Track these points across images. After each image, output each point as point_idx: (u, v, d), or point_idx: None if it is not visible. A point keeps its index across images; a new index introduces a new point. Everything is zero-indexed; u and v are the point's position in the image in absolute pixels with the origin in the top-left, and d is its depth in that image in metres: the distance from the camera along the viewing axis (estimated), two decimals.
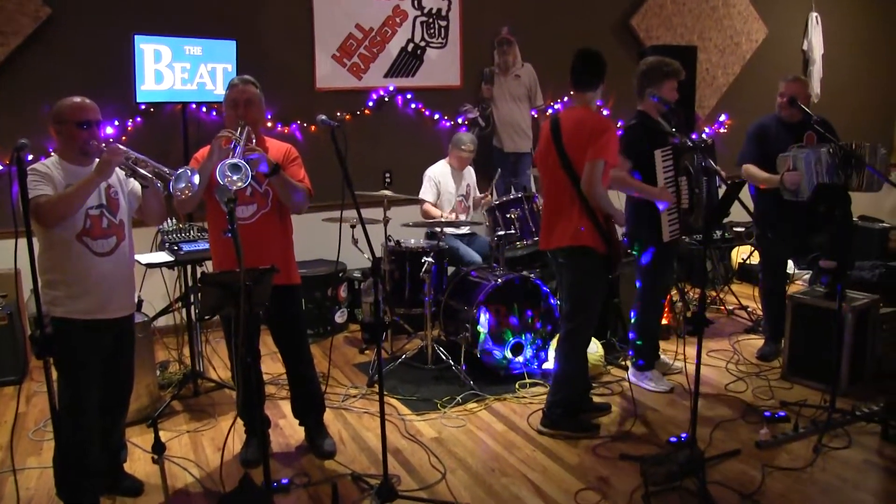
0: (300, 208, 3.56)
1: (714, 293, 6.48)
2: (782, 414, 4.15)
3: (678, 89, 4.39)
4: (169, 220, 4.69)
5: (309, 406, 3.86)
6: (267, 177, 3.39)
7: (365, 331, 5.55)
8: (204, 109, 5.75)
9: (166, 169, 3.16)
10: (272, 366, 4.93)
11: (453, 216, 5.72)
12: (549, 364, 4.78)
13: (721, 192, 3.54)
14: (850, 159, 4.28)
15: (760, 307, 5.40)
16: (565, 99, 6.82)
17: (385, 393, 4.55)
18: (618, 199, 4.15)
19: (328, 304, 5.74)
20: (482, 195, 5.84)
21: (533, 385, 4.69)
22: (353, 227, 5.21)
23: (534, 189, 6.34)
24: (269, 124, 5.99)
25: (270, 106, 5.92)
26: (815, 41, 8.53)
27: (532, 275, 4.96)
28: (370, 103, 6.35)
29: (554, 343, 4.77)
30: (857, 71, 8.98)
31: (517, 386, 4.66)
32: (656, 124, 4.32)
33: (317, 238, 5.28)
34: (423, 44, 6.51)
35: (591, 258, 3.79)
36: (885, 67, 9.30)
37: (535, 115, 6.72)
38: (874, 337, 4.59)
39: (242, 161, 3.08)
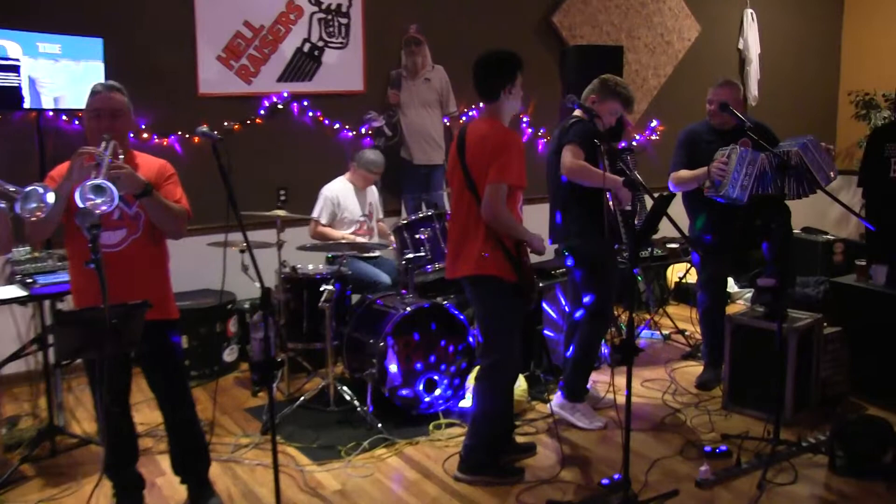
0: (177, 234, 3.49)
1: (648, 316, 6.62)
2: (723, 448, 4.25)
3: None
4: (20, 248, 4.52)
5: (192, 460, 3.76)
6: (137, 198, 3.31)
7: (254, 371, 5.47)
8: (64, 118, 5.58)
9: (10, 186, 3.04)
10: (148, 414, 4.79)
11: (355, 239, 5.72)
12: (467, 402, 4.79)
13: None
14: (785, 167, 4.45)
15: (699, 330, 5.54)
16: (482, 105, 6.89)
17: (280, 441, 4.48)
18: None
19: (215, 340, 5.64)
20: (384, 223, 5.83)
21: (449, 426, 4.68)
22: (242, 251, 5.13)
23: (447, 206, 6.38)
24: (145, 135, 5.86)
25: (145, 114, 5.80)
26: (752, 39, 8.88)
27: (446, 301, 4.96)
28: (262, 111, 6.29)
29: (472, 378, 4.78)
30: (796, 70, 9.38)
31: (431, 427, 4.65)
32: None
33: (202, 265, 5.18)
34: (321, 44, 6.49)
35: (498, 287, 3.82)
36: (825, 65, 9.74)
37: (448, 124, 6.77)
38: (819, 360, 4.76)
39: (107, 182, 2.99)
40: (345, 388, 4.92)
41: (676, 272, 7.20)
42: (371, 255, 5.91)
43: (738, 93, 5.05)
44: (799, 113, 9.19)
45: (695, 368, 5.56)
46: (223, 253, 3.62)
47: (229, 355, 5.76)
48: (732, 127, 4.95)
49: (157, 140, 5.93)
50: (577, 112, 4.54)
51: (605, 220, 4.22)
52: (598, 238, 4.37)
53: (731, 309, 6.13)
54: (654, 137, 8.18)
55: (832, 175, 4.71)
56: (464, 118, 6.84)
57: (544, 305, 5.46)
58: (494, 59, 3.86)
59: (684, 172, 5.01)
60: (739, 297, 7.38)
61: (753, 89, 8.86)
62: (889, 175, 5.21)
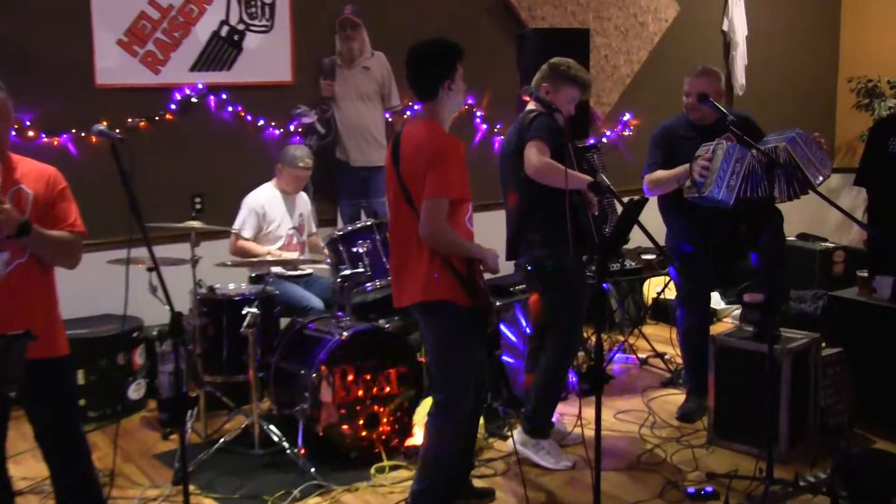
0: (70, 265, 3.47)
1: (621, 338, 6.66)
2: (710, 490, 4.28)
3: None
4: None
5: None
6: (10, 238, 3.24)
7: (163, 409, 5.41)
8: None
9: None
10: (32, 466, 4.67)
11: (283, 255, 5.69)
12: (416, 441, 4.77)
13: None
14: (774, 166, 4.51)
15: (679, 353, 5.58)
16: (417, 105, 6.92)
17: (195, 492, 4.43)
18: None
19: (118, 374, 5.57)
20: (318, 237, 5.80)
21: (394, 469, 4.67)
22: (150, 270, 5.06)
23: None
24: (30, 133, 5.78)
25: (31, 109, 5.72)
26: (738, 20, 9.02)
27: (389, 324, 4.93)
28: (172, 105, 6.24)
29: (421, 412, 4.77)
30: (788, 54, 9.55)
31: (373, 471, 4.64)
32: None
33: (102, 287, 5.08)
34: (241, 27, 6.45)
35: (451, 313, 3.83)
36: (822, 48, 9.94)
37: (390, 119, 6.77)
38: (817, 386, 4.82)
39: None
40: (272, 426, 4.88)
41: (654, 287, 7.26)
42: (302, 272, 5.88)
43: (719, 82, 5.12)
44: (792, 103, 9.34)
45: (676, 397, 5.61)
46: (125, 272, 3.57)
47: (135, 392, 5.69)
48: (714, 121, 5.01)
49: (45, 139, 5.84)
50: (532, 105, 4.57)
51: (568, 227, 4.23)
52: (564, 249, 4.38)
53: (716, 328, 6.22)
54: (626, 133, 8.27)
55: (826, 172, 4.79)
56: (408, 113, 6.84)
57: (502, 328, 5.48)
58: (430, 49, 3.88)
59: (661, 173, 5.06)
60: (727, 315, 7.46)
61: (740, 77, 9.00)
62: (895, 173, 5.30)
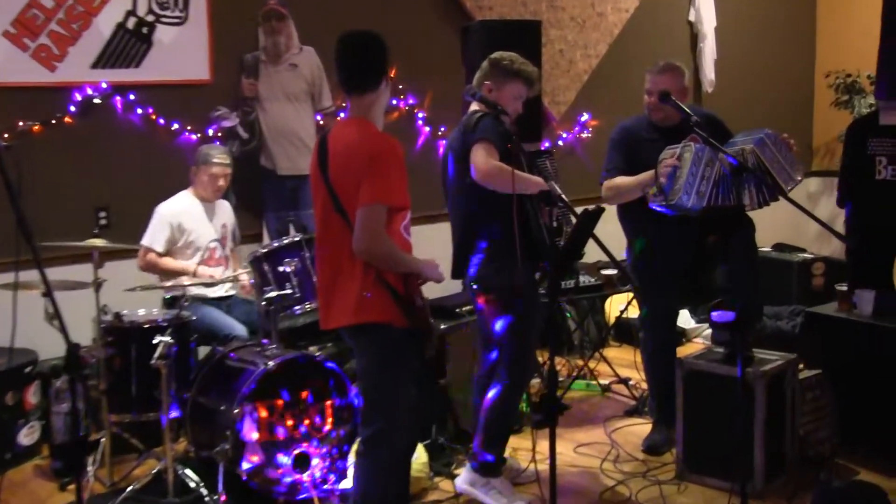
0: None
1: (581, 362, 6.69)
2: None
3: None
4: None
5: None
6: None
7: (57, 456, 5.32)
8: None
9: None
10: None
11: (204, 271, 5.66)
12: (348, 482, 4.73)
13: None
14: (742, 171, 4.55)
15: (645, 378, 5.61)
16: (347, 103, 6.89)
17: None
18: None
19: (7, 416, 5.46)
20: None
21: None
22: (44, 295, 4.99)
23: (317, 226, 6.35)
24: None
25: None
26: (705, 9, 9.10)
27: (320, 352, 4.91)
28: (72, 107, 6.16)
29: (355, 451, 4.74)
30: (761, 47, 9.67)
31: None
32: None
33: None
34: (151, 18, 6.39)
35: (386, 337, 3.82)
36: (798, 40, 10.08)
37: (322, 122, 6.75)
38: (795, 412, 4.86)
39: None
40: (188, 471, 4.84)
41: (616, 305, 7.30)
42: (223, 294, 5.84)
43: (683, 79, 5.17)
44: (766, 100, 9.45)
45: (642, 428, 5.63)
46: (13, 298, 3.52)
47: (27, 436, 5.57)
48: (678, 122, 5.05)
49: None
50: (476, 106, 4.59)
51: (517, 240, 4.24)
52: (514, 264, 4.39)
53: (685, 350, 6.26)
54: (584, 135, 8.31)
55: (797, 178, 4.85)
56: (342, 115, 6.81)
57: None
58: (367, 36, 3.91)
59: (622, 179, 5.09)
60: (697, 335, 7.53)
61: (709, 72, 9.08)
62: (875, 177, 5.38)
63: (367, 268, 3.76)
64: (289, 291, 5.04)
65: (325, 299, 3.96)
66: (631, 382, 6.37)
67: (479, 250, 4.57)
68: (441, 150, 7.34)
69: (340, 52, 3.90)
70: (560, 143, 8.16)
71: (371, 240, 3.70)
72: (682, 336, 7.31)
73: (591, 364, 6.68)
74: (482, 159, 4.36)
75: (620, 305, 7.15)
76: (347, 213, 3.76)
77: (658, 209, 4.90)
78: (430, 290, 4.10)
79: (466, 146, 4.45)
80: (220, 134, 6.56)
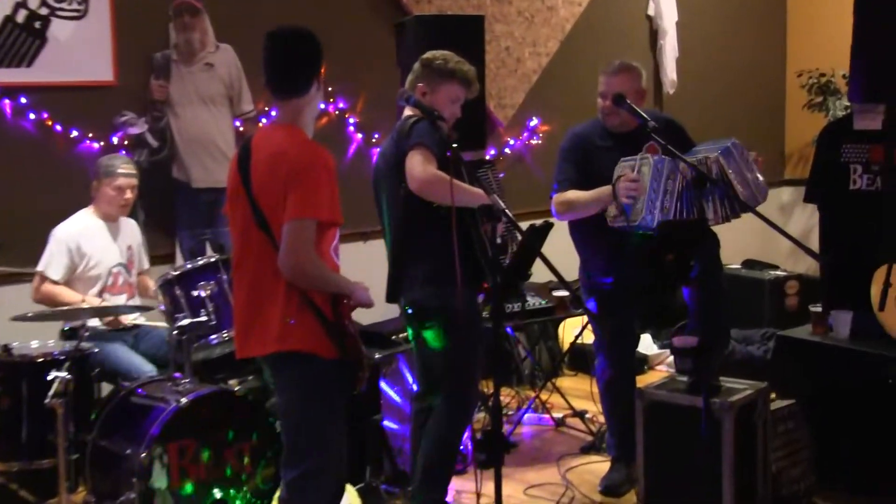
0: None
1: (532, 393, 6.69)
2: None
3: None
4: None
5: None
6: None
7: None
8: None
9: None
10: None
11: (105, 300, 5.60)
12: None
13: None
14: (705, 181, 4.60)
15: (602, 411, 5.63)
16: (275, 107, 6.86)
17: None
18: None
19: None
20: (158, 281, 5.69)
21: None
22: None
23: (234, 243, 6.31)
24: None
25: None
26: (666, 3, 9.17)
27: (239, 387, 4.88)
28: None
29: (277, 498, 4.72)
30: (729, 43, 9.78)
31: None
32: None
33: None
34: (45, 12, 6.31)
35: (312, 368, 3.81)
36: (767, 36, 10.19)
37: (241, 128, 6.73)
38: (766, 447, 4.88)
39: None
40: None
41: (571, 330, 7.32)
42: (128, 324, 5.77)
43: (640, 80, 5.21)
44: (734, 102, 9.56)
45: (599, 466, 5.65)
46: None
47: None
48: (635, 128, 5.09)
49: None
50: (410, 111, 4.60)
51: (456, 259, 4.24)
52: (454, 286, 4.39)
53: (647, 378, 6.28)
54: (534, 141, 8.35)
55: (760, 199, 4.89)
56: (263, 121, 6.79)
57: (383, 386, 5.46)
58: (298, 36, 3.91)
59: (574, 194, 5.12)
60: (660, 362, 7.56)
61: (670, 72, 9.14)
62: (849, 187, 5.44)
63: (292, 290, 3.75)
64: (204, 318, 5.02)
65: (242, 325, 3.94)
66: (587, 416, 6.39)
67: (415, 270, 4.56)
68: (374, 159, 7.34)
69: (268, 51, 3.89)
70: (507, 150, 8.19)
71: (298, 257, 3.69)
72: (644, 363, 7.35)
73: (543, 395, 6.69)
74: (419, 167, 4.36)
75: (575, 330, 7.15)
76: (271, 229, 3.75)
77: (621, 230, 4.93)
78: (364, 316, 4.10)
79: (400, 154, 4.45)
80: (125, 142, 6.49)
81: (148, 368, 5.50)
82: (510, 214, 3.95)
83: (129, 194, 5.80)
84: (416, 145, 4.40)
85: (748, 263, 8.40)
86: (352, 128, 7.46)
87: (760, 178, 4.92)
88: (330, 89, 7.09)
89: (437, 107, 4.45)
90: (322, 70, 3.92)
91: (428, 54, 4.71)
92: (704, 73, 9.48)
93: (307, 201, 3.69)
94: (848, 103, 8.92)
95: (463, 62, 4.69)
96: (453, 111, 4.65)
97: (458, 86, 4.65)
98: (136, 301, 5.79)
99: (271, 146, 3.83)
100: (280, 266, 3.71)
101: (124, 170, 5.74)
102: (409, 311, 4.62)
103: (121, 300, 5.69)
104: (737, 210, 4.87)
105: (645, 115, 4.87)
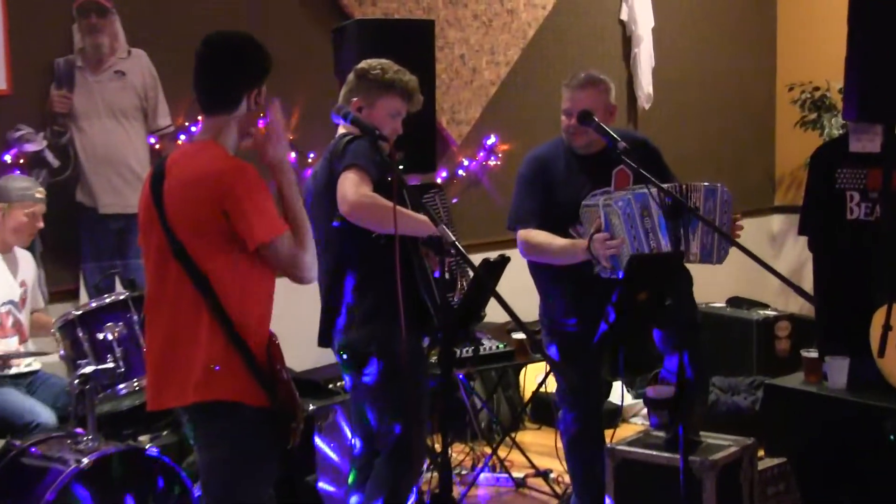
0: None
1: (489, 449, 6.67)
2: None
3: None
4: None
5: None
6: None
7: None
8: None
9: None
10: None
11: None
12: None
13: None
14: (680, 211, 4.61)
15: (567, 470, 5.62)
16: (200, 120, 6.83)
17: None
18: None
19: None
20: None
21: None
22: None
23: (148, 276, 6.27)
24: None
25: None
26: (640, 7, 9.21)
27: (152, 444, 4.85)
28: None
29: None
30: (711, 52, 9.86)
31: None
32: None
33: None
34: None
35: (239, 420, 3.79)
36: (754, 44, 10.26)
37: (157, 146, 6.71)
38: None
39: None
40: None
41: (534, 377, 7.31)
42: (23, 370, 5.73)
43: (608, 95, 5.20)
44: (718, 119, 9.64)
45: None
46: None
47: None
48: (603, 149, 5.09)
49: None
50: (345, 128, 4.61)
51: (399, 296, 4.24)
52: (394, 328, 4.38)
53: (620, 433, 6.27)
54: (492, 162, 8.34)
55: (714, 258, 4.91)
56: (182, 138, 6.76)
57: (317, 442, 5.43)
58: (239, 42, 3.92)
59: (545, 238, 5.09)
60: (635, 414, 7.56)
61: (646, 84, 9.15)
62: (846, 216, 5.48)
63: (215, 330, 3.73)
64: (111, 365, 4.99)
65: (157, 372, 3.89)
66: (552, 475, 6.40)
67: (350, 310, 4.56)
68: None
69: (204, 59, 3.88)
70: (461, 172, 8.19)
71: (301, 273, 3.80)
72: (616, 416, 7.35)
73: (502, 452, 6.68)
74: (351, 188, 4.37)
75: (538, 377, 7.16)
76: (192, 260, 3.74)
77: (608, 277, 4.92)
78: (295, 362, 4.08)
79: (333, 176, 4.46)
80: (21, 161, 6.43)
81: (46, 415, 5.44)
82: (460, 246, 3.94)
83: (41, 223, 5.76)
84: (350, 166, 4.42)
85: (733, 302, 8.43)
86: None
87: (726, 245, 4.92)
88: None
89: (375, 123, 4.44)
90: (261, 86, 3.90)
91: (363, 64, 4.74)
92: (684, 86, 9.54)
93: (255, 223, 3.70)
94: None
95: (403, 71, 4.72)
96: (394, 127, 4.68)
97: (398, 98, 4.68)
98: (31, 346, 5.74)
99: (190, 167, 3.81)
100: (294, 281, 3.81)
101: (40, 195, 5.74)
102: (344, 355, 4.60)
103: (10, 345, 5.63)
104: (726, 247, 4.89)
105: (615, 136, 4.86)
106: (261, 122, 4.03)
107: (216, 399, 3.75)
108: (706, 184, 4.92)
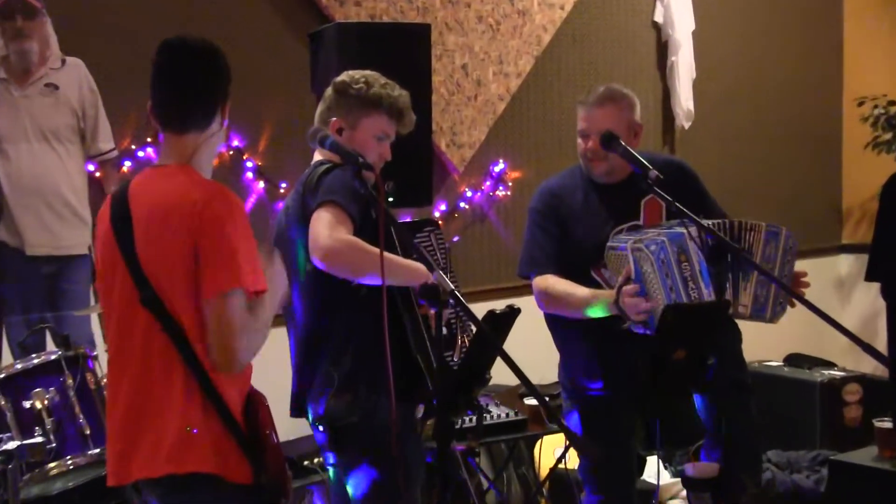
0: None
1: None
2: None
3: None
4: None
5: None
6: None
7: None
8: None
9: None
10: None
11: None
12: None
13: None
14: (724, 254, 4.59)
15: None
16: (164, 140, 6.82)
17: None
18: None
19: None
20: None
21: None
22: None
23: (99, 341, 6.28)
24: None
25: None
26: (678, 8, 9.21)
27: None
28: None
29: None
30: (762, 61, 9.85)
31: None
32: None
33: None
34: None
35: (219, 497, 3.80)
36: (816, 50, 10.26)
37: (98, 175, 6.72)
38: None
39: None
40: None
41: (551, 450, 7.29)
42: None
43: (632, 112, 5.19)
44: (770, 142, 9.62)
45: None
46: None
47: None
48: (628, 176, 5.08)
49: None
50: (321, 154, 4.62)
51: (387, 358, 4.23)
52: (380, 396, 4.39)
53: None
54: (500, 192, 8.35)
55: (766, 315, 4.91)
56: (128, 164, 6.77)
57: None
58: (205, 51, 3.93)
59: (564, 288, 5.07)
60: (674, 496, 7.53)
61: (685, 99, 9.10)
62: None
63: (192, 389, 3.73)
64: (39, 440, 4.96)
65: (121, 440, 3.88)
66: None
67: (329, 373, 4.55)
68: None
69: (162, 68, 3.90)
70: (463, 204, 8.18)
71: (236, 350, 3.70)
72: (650, 497, 7.32)
73: None
74: (324, 231, 4.31)
75: (557, 450, 7.14)
76: (165, 306, 3.73)
77: (642, 333, 4.90)
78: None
79: (307, 214, 4.45)
80: None
81: None
82: (460, 296, 3.93)
83: None
84: (325, 203, 4.37)
85: (793, 359, 8.40)
86: (250, 174, 7.45)
87: (784, 302, 4.93)
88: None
89: (358, 147, 4.42)
90: (227, 99, 3.94)
91: (343, 76, 4.73)
92: (730, 101, 9.53)
93: (227, 264, 3.68)
94: None
95: (392, 85, 4.71)
96: (381, 152, 4.66)
97: (386, 118, 4.67)
98: None
99: (161, 194, 3.81)
100: (212, 362, 3.71)
101: None
102: (320, 427, 4.58)
103: None
104: (784, 304, 4.89)
105: (644, 162, 4.83)
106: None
107: (192, 472, 3.73)
108: (768, 224, 4.90)
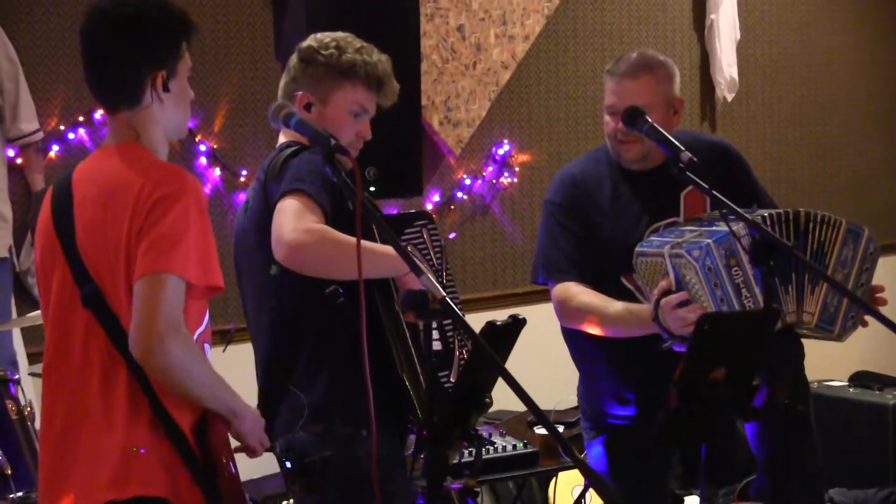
0: None
1: None
2: None
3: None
4: None
5: None
6: None
7: None
8: None
9: None
10: None
11: None
12: None
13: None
14: (769, 252, 4.55)
15: None
16: (105, 119, 6.84)
17: None
18: None
19: None
20: None
21: None
22: None
23: (24, 363, 6.30)
24: None
25: None
26: None
27: None
28: None
29: None
30: (823, 23, 9.89)
31: None
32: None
33: None
34: None
35: None
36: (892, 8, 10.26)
37: (19, 161, 6.76)
38: None
39: None
40: None
41: (569, 488, 7.30)
42: None
43: (670, 85, 5.17)
44: (831, 120, 9.63)
45: None
46: None
47: None
48: (664, 163, 5.03)
49: None
50: (286, 136, 4.60)
51: (366, 377, 4.19)
52: (360, 423, 4.37)
53: None
54: (505, 180, 8.37)
55: (830, 332, 4.90)
56: (55, 148, 6.77)
57: None
58: (133, 12, 3.88)
59: (590, 301, 5.05)
60: None
61: (727, 66, 9.15)
62: None
63: (139, 402, 3.74)
64: None
65: (56, 460, 3.89)
66: None
67: (297, 397, 4.54)
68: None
69: (89, 36, 3.90)
70: (461, 194, 8.21)
71: (153, 338, 3.63)
72: None
73: None
74: (288, 223, 4.26)
75: (575, 489, 7.16)
76: (108, 305, 3.75)
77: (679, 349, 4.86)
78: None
79: (269, 206, 4.42)
80: None
81: None
82: (454, 304, 3.90)
83: None
84: (289, 192, 4.33)
85: (859, 378, 8.41)
86: (204, 159, 7.47)
87: (857, 316, 4.91)
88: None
89: (330, 126, 4.38)
90: (177, 67, 3.91)
91: (310, 41, 4.71)
92: (781, 69, 9.56)
93: (166, 248, 3.66)
94: None
95: (368, 49, 4.69)
96: (358, 131, 4.64)
97: (362, 89, 4.65)
98: None
99: (106, 177, 3.83)
100: (132, 348, 3.66)
101: None
102: (288, 463, 4.56)
103: None
104: (855, 319, 4.87)
105: (676, 143, 4.75)
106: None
107: (136, 496, 3.73)
108: (848, 222, 4.87)
